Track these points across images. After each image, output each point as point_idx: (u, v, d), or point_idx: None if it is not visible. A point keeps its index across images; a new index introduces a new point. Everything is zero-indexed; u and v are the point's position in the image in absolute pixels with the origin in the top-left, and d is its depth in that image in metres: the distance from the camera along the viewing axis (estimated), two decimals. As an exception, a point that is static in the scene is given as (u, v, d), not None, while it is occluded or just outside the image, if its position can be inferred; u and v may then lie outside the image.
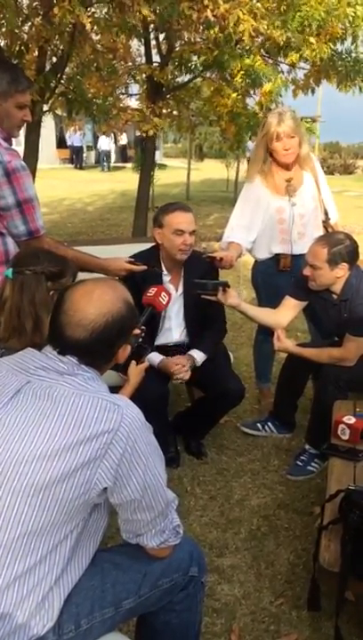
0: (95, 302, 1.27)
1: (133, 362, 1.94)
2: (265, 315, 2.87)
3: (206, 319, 2.74)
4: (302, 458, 2.74)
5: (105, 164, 23.23)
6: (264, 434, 3.05)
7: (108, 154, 23.72)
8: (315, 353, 2.69)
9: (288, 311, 2.82)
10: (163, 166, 16.08)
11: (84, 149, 24.18)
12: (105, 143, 23.14)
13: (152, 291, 2.33)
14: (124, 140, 24.91)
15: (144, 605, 1.37)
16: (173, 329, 2.76)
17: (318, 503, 2.37)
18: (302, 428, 2.95)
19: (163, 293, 2.32)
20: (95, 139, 25.04)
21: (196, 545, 1.50)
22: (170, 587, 1.39)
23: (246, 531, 2.34)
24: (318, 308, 2.78)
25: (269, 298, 3.04)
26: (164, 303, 2.34)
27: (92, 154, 25.98)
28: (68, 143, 23.49)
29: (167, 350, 2.69)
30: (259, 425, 3.07)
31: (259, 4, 4.69)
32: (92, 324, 1.25)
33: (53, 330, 1.28)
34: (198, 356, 2.65)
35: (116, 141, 24.16)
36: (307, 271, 2.60)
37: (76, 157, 23.40)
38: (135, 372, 1.93)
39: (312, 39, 5.28)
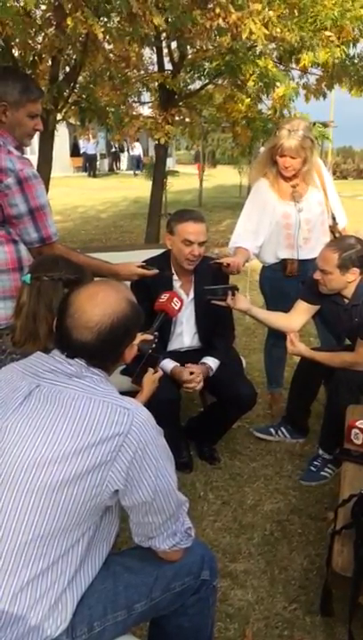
0: (100, 304, 1.29)
1: (149, 371, 1.96)
2: (277, 319, 2.87)
3: (217, 324, 2.75)
4: (315, 463, 2.73)
5: (139, 170, 23.38)
6: (277, 439, 3.04)
7: (139, 158, 23.91)
8: (328, 357, 2.68)
9: (300, 315, 2.82)
10: (175, 173, 16.12)
11: (98, 157, 24.37)
12: (138, 149, 23.39)
13: (164, 297, 2.34)
14: (133, 150, 25.08)
15: (156, 609, 1.38)
16: (185, 334, 2.76)
17: (332, 508, 2.34)
18: (315, 433, 2.94)
19: (175, 299, 2.33)
20: (108, 146, 25.23)
21: (207, 549, 1.51)
22: (181, 590, 1.39)
23: (260, 536, 2.34)
24: (330, 312, 2.77)
25: (276, 303, 3.04)
26: (176, 309, 2.35)
27: (105, 162, 26.17)
28: (82, 151, 23.69)
29: (180, 355, 2.69)
30: (272, 430, 3.06)
31: (271, 12, 4.69)
32: (98, 326, 1.27)
33: (60, 334, 1.30)
34: (213, 363, 2.66)
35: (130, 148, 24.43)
36: (317, 275, 2.60)
37: (89, 165, 23.58)
38: (149, 381, 1.95)
39: (327, 34, 5.25)
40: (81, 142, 23.23)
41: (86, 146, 22.85)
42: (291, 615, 1.95)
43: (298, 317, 2.82)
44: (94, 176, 23.12)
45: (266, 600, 2.01)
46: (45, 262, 1.82)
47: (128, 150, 25.55)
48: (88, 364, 1.28)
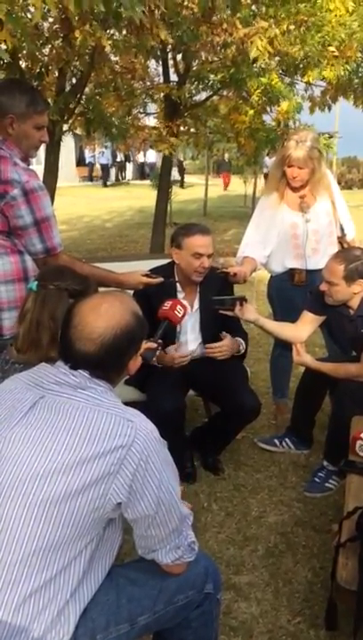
0: (103, 316, 1.29)
1: None
2: (284, 329, 2.87)
3: (226, 330, 2.75)
4: (319, 474, 2.71)
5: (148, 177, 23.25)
6: (282, 450, 3.03)
7: (153, 166, 23.86)
8: (333, 368, 2.68)
9: (307, 325, 2.82)
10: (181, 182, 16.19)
11: (109, 167, 24.43)
12: (152, 155, 23.32)
13: (168, 304, 2.34)
14: (147, 157, 25.20)
15: (160, 622, 1.37)
16: (190, 343, 2.76)
17: (337, 520, 2.33)
18: (319, 444, 2.93)
19: (178, 306, 2.34)
20: (113, 156, 25.42)
21: (211, 561, 1.50)
22: (185, 603, 1.38)
23: (264, 548, 2.32)
24: (335, 323, 2.78)
25: (284, 312, 3.05)
26: (179, 316, 2.35)
27: (112, 171, 26.33)
28: (88, 160, 23.82)
29: (184, 364, 2.69)
30: (276, 441, 3.05)
31: (277, 30, 4.73)
32: (100, 338, 1.27)
33: (64, 345, 1.30)
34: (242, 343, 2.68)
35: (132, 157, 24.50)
36: (323, 287, 2.61)
37: (104, 174, 23.64)
38: None
39: (331, 50, 5.32)
40: (95, 153, 23.33)
41: (100, 156, 22.87)
42: (295, 629, 1.93)
43: (304, 328, 2.82)
44: (105, 185, 23.16)
45: (270, 613, 2.00)
46: (52, 271, 1.83)
47: (133, 160, 25.65)
48: (91, 376, 1.28)
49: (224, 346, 2.60)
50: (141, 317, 1.37)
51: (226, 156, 21.56)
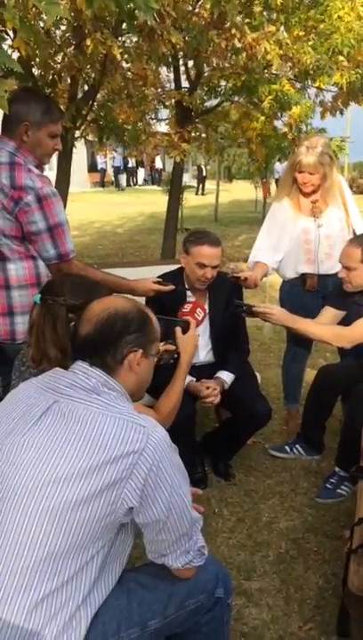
0: (104, 302, 1.37)
1: (180, 333, 2.10)
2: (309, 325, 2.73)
3: (231, 339, 2.76)
4: (331, 480, 2.70)
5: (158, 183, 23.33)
6: (292, 456, 3.02)
7: (160, 172, 23.94)
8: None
9: (327, 321, 2.77)
10: (191, 188, 16.26)
11: (120, 171, 24.53)
12: (159, 161, 23.44)
13: (187, 307, 2.39)
14: (156, 163, 25.32)
15: (170, 626, 1.37)
16: (201, 349, 2.77)
17: (348, 527, 2.32)
18: (331, 450, 2.92)
19: (198, 309, 2.38)
20: (125, 163, 25.56)
21: (221, 566, 1.50)
22: (196, 608, 1.38)
23: (275, 554, 2.32)
24: (354, 316, 2.74)
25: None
26: (199, 319, 2.39)
27: (123, 176, 26.47)
28: (100, 166, 23.92)
29: (194, 370, 2.70)
30: (287, 448, 3.04)
31: (285, 34, 4.77)
32: (96, 317, 1.33)
33: (73, 335, 1.38)
34: (228, 377, 2.67)
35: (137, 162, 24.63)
36: (342, 273, 2.61)
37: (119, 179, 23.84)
38: (184, 341, 2.08)
39: (342, 59, 5.35)
40: (99, 158, 23.47)
41: (115, 160, 22.93)
42: (306, 635, 1.92)
43: (325, 323, 2.78)
44: (121, 189, 23.25)
45: (281, 619, 1.99)
46: (53, 286, 1.81)
47: (145, 166, 25.82)
48: (90, 364, 1.30)
49: (216, 389, 2.59)
50: (146, 314, 1.39)
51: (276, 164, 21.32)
